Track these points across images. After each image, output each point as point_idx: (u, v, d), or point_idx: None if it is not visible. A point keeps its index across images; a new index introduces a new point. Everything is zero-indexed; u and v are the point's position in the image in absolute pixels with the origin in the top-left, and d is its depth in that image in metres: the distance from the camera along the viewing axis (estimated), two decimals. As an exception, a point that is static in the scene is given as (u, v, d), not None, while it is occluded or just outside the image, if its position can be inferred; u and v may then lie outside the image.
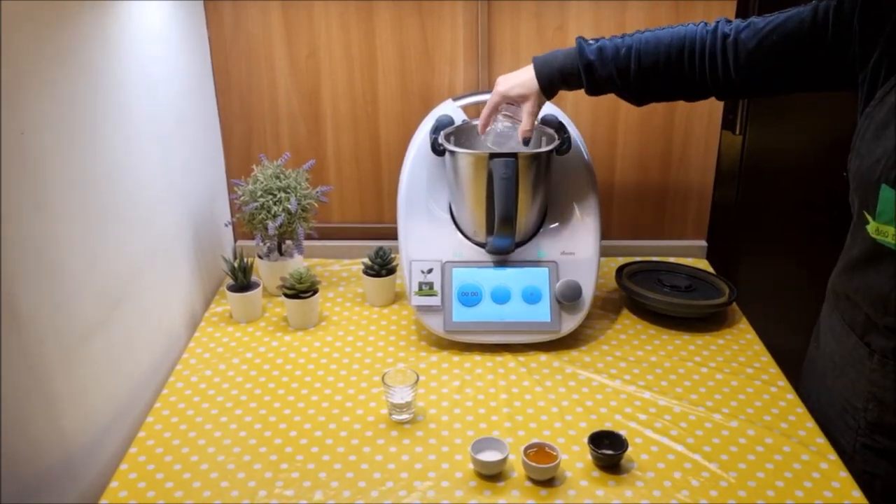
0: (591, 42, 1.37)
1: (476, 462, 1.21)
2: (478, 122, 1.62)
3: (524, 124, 1.43)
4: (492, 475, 1.22)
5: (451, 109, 1.66)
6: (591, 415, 1.36)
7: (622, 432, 1.26)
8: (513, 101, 1.44)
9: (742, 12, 1.79)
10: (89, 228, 1.23)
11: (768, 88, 1.34)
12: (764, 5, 1.85)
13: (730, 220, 2.03)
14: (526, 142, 1.44)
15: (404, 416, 1.35)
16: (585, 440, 1.25)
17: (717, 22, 1.31)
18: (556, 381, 1.46)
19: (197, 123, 1.73)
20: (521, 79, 1.42)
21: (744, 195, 2.05)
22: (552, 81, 1.40)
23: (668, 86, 1.37)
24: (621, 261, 1.87)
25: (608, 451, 1.23)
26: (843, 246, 1.29)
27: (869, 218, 1.14)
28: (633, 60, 1.34)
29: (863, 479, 1.23)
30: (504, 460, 1.21)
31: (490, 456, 1.22)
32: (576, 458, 1.26)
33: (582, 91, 1.80)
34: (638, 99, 1.41)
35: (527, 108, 1.42)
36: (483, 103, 1.75)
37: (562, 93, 1.80)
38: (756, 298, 1.88)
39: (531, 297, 1.55)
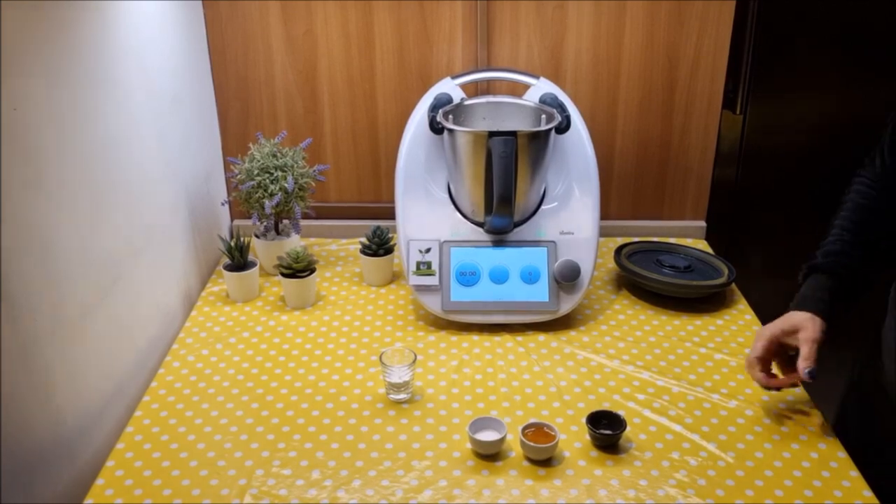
0: (814, 255, 1.29)
1: (474, 442, 1.21)
2: (478, 100, 1.61)
3: (804, 352, 1.21)
4: (490, 455, 1.21)
5: (450, 87, 1.64)
6: (590, 395, 1.36)
7: (620, 412, 1.26)
8: (783, 340, 1.25)
9: (741, 12, 1.77)
10: (84, 207, 1.22)
11: None
12: (764, 5, 1.84)
13: (729, 200, 2.02)
14: (812, 374, 1.21)
15: (402, 396, 1.35)
16: (583, 420, 1.25)
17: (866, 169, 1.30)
18: (554, 360, 1.46)
19: (193, 101, 1.71)
20: (784, 317, 1.26)
21: (744, 176, 2.04)
22: (821, 299, 1.24)
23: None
24: (620, 241, 1.86)
25: (606, 430, 1.23)
26: None
27: None
28: (863, 234, 1.26)
29: None
30: (502, 440, 1.21)
31: (488, 436, 1.22)
32: (574, 438, 1.25)
33: (582, 70, 1.78)
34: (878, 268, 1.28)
35: (803, 335, 1.22)
36: (482, 81, 1.75)
37: (561, 69, 1.80)
38: (755, 279, 1.87)
39: (530, 277, 1.54)
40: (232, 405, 1.34)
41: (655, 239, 1.89)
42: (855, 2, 1.89)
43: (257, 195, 1.64)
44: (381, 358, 1.34)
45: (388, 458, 1.21)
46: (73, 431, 1.20)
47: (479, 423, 1.24)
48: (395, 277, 1.74)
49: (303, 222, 1.74)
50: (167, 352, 1.48)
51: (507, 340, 1.52)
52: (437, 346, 1.50)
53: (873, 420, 1.29)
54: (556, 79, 1.76)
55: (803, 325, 1.23)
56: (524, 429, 1.22)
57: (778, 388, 1.28)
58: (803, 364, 1.21)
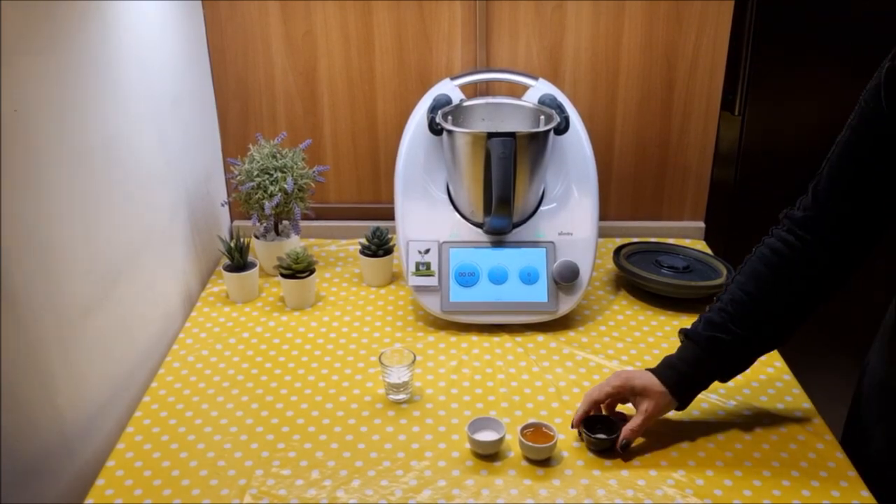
0: (694, 325, 1.22)
1: (473, 442, 1.21)
2: (477, 101, 1.61)
3: (631, 423, 1.20)
4: (489, 455, 1.22)
5: (449, 89, 1.64)
6: (588, 395, 1.36)
7: (616, 417, 1.26)
8: (628, 394, 1.23)
9: (740, 12, 1.78)
10: (85, 207, 1.22)
11: (871, 229, 1.13)
12: (762, 6, 1.84)
13: (728, 201, 2.03)
14: (624, 447, 1.20)
15: (401, 396, 1.35)
16: (578, 425, 1.25)
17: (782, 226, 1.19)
18: (553, 361, 1.46)
19: (193, 102, 1.72)
20: (644, 375, 1.22)
21: (742, 176, 2.05)
22: (682, 375, 1.20)
23: (792, 307, 1.18)
24: (619, 241, 1.86)
25: (601, 435, 1.22)
26: None
27: None
28: (748, 298, 1.17)
29: None
30: (501, 440, 1.22)
31: (487, 436, 1.22)
32: (572, 438, 1.26)
33: (581, 69, 1.78)
34: (778, 337, 1.21)
35: (644, 406, 1.20)
36: (481, 82, 1.75)
37: (559, 70, 1.80)
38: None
39: (528, 278, 1.55)
40: (232, 405, 1.34)
41: (654, 239, 1.90)
42: (854, 2, 1.89)
43: (257, 196, 1.64)
44: (380, 358, 1.34)
45: (387, 458, 1.22)
46: (74, 431, 1.20)
47: (478, 424, 1.24)
48: (394, 278, 1.74)
49: (302, 223, 1.74)
50: (167, 352, 1.49)
51: (506, 341, 1.52)
52: (437, 347, 1.50)
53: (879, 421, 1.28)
54: (554, 79, 1.76)
55: (651, 397, 1.19)
56: (523, 429, 1.22)
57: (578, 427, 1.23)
58: (627, 433, 1.19)
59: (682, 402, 1.23)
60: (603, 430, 1.23)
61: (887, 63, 1.05)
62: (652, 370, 1.24)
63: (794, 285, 1.16)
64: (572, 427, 1.24)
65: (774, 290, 1.17)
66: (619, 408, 1.28)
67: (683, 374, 1.21)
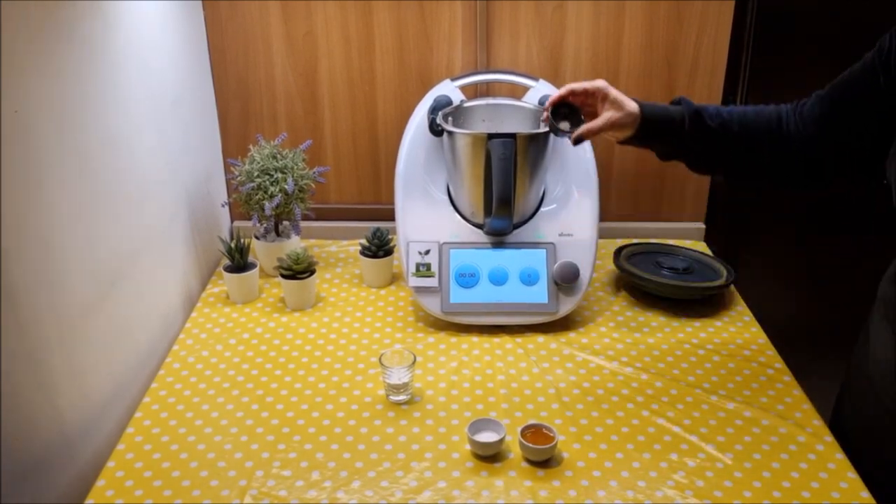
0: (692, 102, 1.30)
1: (473, 443, 1.21)
2: (477, 102, 1.62)
3: (592, 123, 1.29)
4: (489, 456, 1.22)
5: (450, 90, 1.64)
6: (589, 396, 1.36)
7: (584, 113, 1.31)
8: (601, 98, 1.29)
9: (740, 12, 1.78)
10: (85, 208, 1.22)
11: (837, 157, 1.25)
12: (762, 6, 1.84)
13: (728, 202, 2.02)
14: (577, 141, 1.30)
15: (401, 397, 1.35)
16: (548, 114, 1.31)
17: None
18: (553, 362, 1.46)
19: (193, 102, 1.72)
20: (624, 95, 1.30)
21: (742, 177, 2.04)
22: (653, 112, 1.28)
23: (760, 157, 1.29)
24: (619, 242, 1.86)
25: (565, 123, 1.30)
26: (844, 232, 1.25)
27: None
28: (736, 122, 1.27)
29: None
30: (501, 441, 1.22)
31: (487, 437, 1.22)
32: (572, 440, 1.26)
33: (581, 70, 1.78)
34: (732, 166, 1.33)
35: (609, 114, 1.28)
36: (481, 83, 1.75)
37: (561, 70, 1.80)
38: (754, 281, 1.88)
39: (529, 279, 1.55)
40: (232, 406, 1.34)
41: (654, 240, 1.90)
42: (854, 2, 1.89)
43: (257, 197, 1.64)
44: (380, 359, 1.34)
45: (387, 459, 1.22)
46: (74, 432, 1.20)
47: (478, 425, 1.24)
48: (394, 279, 1.74)
49: (303, 224, 1.74)
50: (167, 353, 1.49)
51: (507, 342, 1.52)
52: (437, 348, 1.50)
53: (866, 419, 1.29)
54: (555, 80, 1.76)
55: (619, 109, 1.27)
56: (523, 430, 1.22)
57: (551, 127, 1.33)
58: (585, 130, 1.28)
59: (640, 132, 1.28)
60: (569, 120, 1.27)
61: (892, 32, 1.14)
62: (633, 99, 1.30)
63: (770, 139, 1.27)
64: (545, 108, 1.32)
65: (756, 132, 1.27)
66: None
67: (658, 114, 1.28)
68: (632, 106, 1.27)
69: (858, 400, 1.32)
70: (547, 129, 1.38)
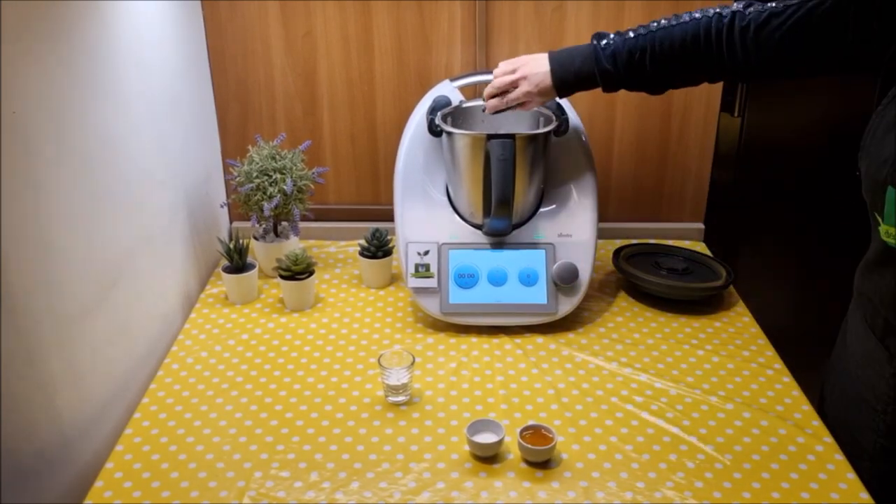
0: (605, 45, 1.35)
1: (472, 444, 1.21)
2: (477, 103, 1.62)
3: (508, 97, 1.43)
4: (488, 457, 1.22)
5: (449, 90, 1.64)
6: (587, 397, 1.36)
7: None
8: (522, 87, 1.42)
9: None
10: (84, 209, 1.22)
11: (786, 69, 1.29)
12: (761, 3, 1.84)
13: (728, 202, 2.03)
14: (498, 112, 1.46)
15: (400, 398, 1.35)
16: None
17: (733, 7, 1.29)
18: (552, 363, 1.46)
19: (192, 103, 1.72)
20: (540, 74, 1.39)
21: (742, 178, 2.04)
22: (566, 83, 1.39)
23: (684, 74, 1.36)
24: (618, 243, 1.86)
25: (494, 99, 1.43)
26: (844, 232, 1.27)
27: (879, 220, 1.12)
28: (649, 62, 1.33)
29: (882, 480, 1.21)
30: (500, 442, 1.21)
31: (486, 438, 1.22)
32: (571, 441, 1.26)
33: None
34: (654, 91, 1.42)
35: (536, 100, 1.43)
36: (481, 83, 1.75)
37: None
38: (753, 281, 1.88)
39: (528, 280, 1.55)
40: (231, 407, 1.34)
41: (654, 241, 1.90)
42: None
43: (256, 197, 1.64)
44: (379, 360, 1.34)
45: (386, 460, 1.22)
46: (73, 433, 1.20)
47: (477, 426, 1.24)
48: (393, 280, 1.74)
49: (302, 224, 1.74)
50: (166, 354, 1.49)
51: (506, 342, 1.52)
52: (436, 349, 1.50)
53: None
54: (554, 81, 1.76)
55: (538, 80, 1.39)
56: (522, 431, 1.22)
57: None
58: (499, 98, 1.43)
59: (559, 94, 1.42)
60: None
61: None
62: (551, 61, 1.40)
63: (697, 53, 1.31)
64: (484, 101, 1.47)
65: (681, 49, 1.31)
66: None
67: (570, 78, 1.39)
68: (548, 84, 1.39)
69: (837, 390, 1.34)
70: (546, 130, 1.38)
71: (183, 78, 1.66)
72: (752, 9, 1.27)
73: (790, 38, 1.23)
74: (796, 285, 2.16)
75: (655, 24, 1.33)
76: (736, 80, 1.33)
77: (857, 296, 1.29)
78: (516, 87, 1.42)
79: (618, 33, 1.36)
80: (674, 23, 1.32)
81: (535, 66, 1.40)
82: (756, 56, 1.27)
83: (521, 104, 1.44)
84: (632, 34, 1.34)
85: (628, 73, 1.35)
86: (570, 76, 1.38)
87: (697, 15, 1.30)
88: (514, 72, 1.42)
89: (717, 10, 1.29)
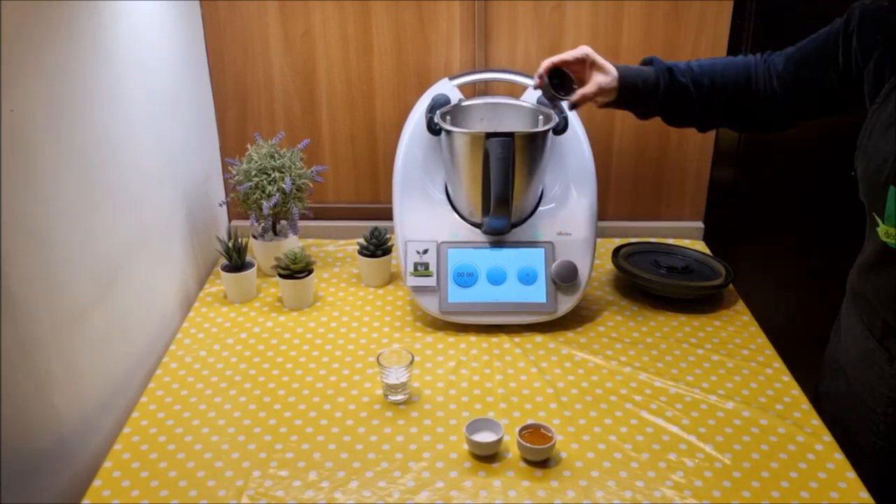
0: (669, 63, 1.37)
1: (471, 443, 1.21)
2: (476, 101, 1.61)
3: (585, 88, 1.35)
4: (487, 456, 1.21)
5: (448, 89, 1.64)
6: (587, 396, 1.36)
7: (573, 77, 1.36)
8: (587, 66, 1.36)
9: (739, 12, 1.77)
10: (82, 207, 1.22)
11: (796, 112, 1.34)
12: (761, 5, 1.84)
13: (727, 201, 2.02)
14: (574, 105, 1.37)
15: (399, 397, 1.35)
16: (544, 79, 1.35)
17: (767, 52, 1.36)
18: (551, 362, 1.46)
19: (191, 102, 1.71)
20: (604, 60, 1.37)
21: (742, 176, 2.04)
22: (630, 75, 1.35)
23: (730, 108, 1.38)
24: (618, 242, 1.86)
25: (561, 91, 1.34)
26: (843, 231, 1.26)
27: (878, 220, 1.11)
28: (706, 76, 1.35)
29: (881, 482, 1.20)
30: (499, 441, 1.21)
31: (485, 437, 1.22)
32: (571, 439, 1.25)
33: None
34: (704, 119, 1.42)
35: (598, 78, 1.35)
36: (480, 82, 1.75)
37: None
38: (753, 280, 1.87)
39: (527, 278, 1.54)
40: (229, 406, 1.34)
41: (653, 240, 1.89)
42: (852, 2, 1.89)
43: (255, 196, 1.64)
44: (378, 359, 1.34)
45: (385, 459, 1.21)
46: (71, 432, 1.20)
47: (476, 425, 1.24)
48: (392, 278, 1.74)
49: (301, 223, 1.74)
50: (165, 353, 1.48)
51: (505, 341, 1.52)
52: (435, 348, 1.50)
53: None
54: (553, 79, 1.76)
55: (607, 72, 1.34)
56: (521, 430, 1.22)
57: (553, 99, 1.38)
58: (579, 96, 1.34)
59: (621, 96, 1.35)
60: (562, 89, 1.32)
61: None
62: (622, 69, 1.36)
63: (743, 92, 1.34)
64: (538, 77, 1.36)
65: (727, 82, 1.35)
66: None
67: (635, 78, 1.35)
68: (614, 71, 1.34)
69: (832, 390, 1.34)
70: (543, 123, 1.37)
71: (182, 77, 1.66)
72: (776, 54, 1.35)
73: (794, 67, 1.30)
74: (796, 284, 2.15)
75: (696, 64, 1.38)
76: (764, 123, 1.40)
77: (852, 297, 1.29)
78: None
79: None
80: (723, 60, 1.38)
81: (612, 73, 1.37)
82: (771, 89, 1.33)
83: (574, 92, 1.37)
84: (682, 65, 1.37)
85: (689, 79, 1.35)
86: (633, 72, 1.36)
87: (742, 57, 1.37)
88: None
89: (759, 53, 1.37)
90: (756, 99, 1.34)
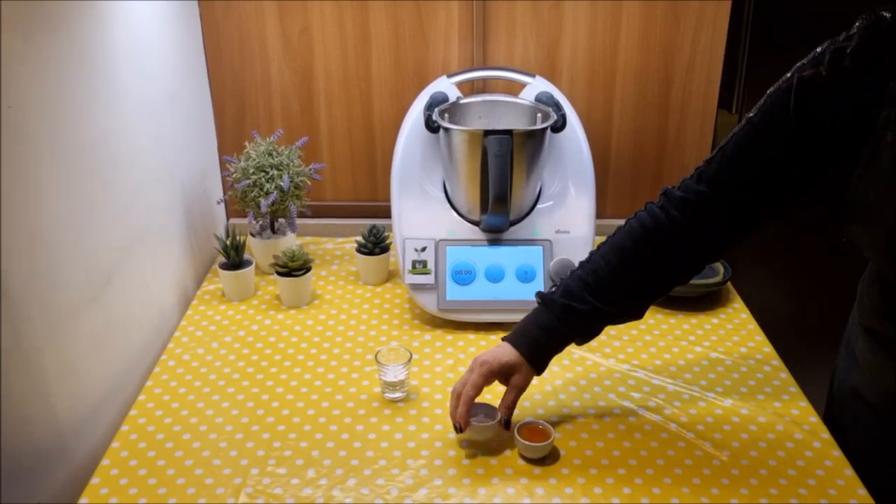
0: (551, 290, 1.21)
1: (472, 428, 1.21)
2: (475, 99, 1.61)
3: (506, 399, 1.21)
4: (482, 441, 1.21)
5: (446, 86, 1.64)
6: (585, 393, 1.36)
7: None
8: (496, 376, 1.20)
9: (737, 11, 1.77)
10: (79, 205, 1.21)
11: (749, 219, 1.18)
12: (760, 4, 1.84)
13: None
14: (507, 423, 1.21)
15: (397, 395, 1.35)
16: None
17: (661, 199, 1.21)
18: (549, 359, 1.46)
19: (189, 99, 1.71)
20: (503, 351, 1.20)
21: (739, 175, 2.04)
22: (538, 343, 1.20)
23: (649, 283, 1.21)
24: (616, 240, 1.86)
25: (487, 421, 1.20)
26: (842, 230, 1.21)
27: None
28: (604, 278, 1.18)
29: (883, 493, 1.17)
30: (496, 424, 1.21)
31: (479, 421, 1.22)
32: (569, 437, 1.25)
33: (578, 69, 1.77)
34: (636, 311, 1.23)
35: (513, 381, 1.20)
36: (478, 79, 1.75)
37: (557, 68, 1.80)
38: (751, 278, 1.87)
39: (525, 276, 1.54)
40: (227, 404, 1.33)
41: (651, 238, 1.89)
42: (852, 2, 1.89)
43: (253, 194, 1.64)
44: (376, 357, 1.34)
45: (383, 456, 1.21)
46: (69, 430, 1.20)
47: (472, 409, 1.22)
48: (390, 276, 1.74)
49: (298, 221, 1.74)
50: (162, 350, 1.48)
51: (503, 339, 1.52)
52: (433, 345, 1.50)
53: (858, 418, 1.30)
54: (552, 77, 1.76)
55: (516, 369, 1.19)
56: (520, 427, 1.22)
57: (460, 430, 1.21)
58: (505, 411, 1.21)
59: (539, 369, 1.22)
60: (482, 415, 1.22)
61: (797, 74, 1.11)
62: (507, 339, 1.22)
63: (656, 261, 1.18)
64: (459, 431, 1.20)
65: (635, 265, 1.19)
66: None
67: (539, 342, 1.20)
68: (519, 360, 1.19)
69: (846, 399, 1.31)
70: (541, 127, 1.36)
71: (180, 75, 1.65)
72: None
73: (735, 161, 1.14)
74: (794, 283, 2.16)
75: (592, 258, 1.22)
76: (703, 255, 1.21)
77: (860, 304, 1.26)
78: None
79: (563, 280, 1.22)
80: (611, 238, 1.22)
81: (496, 350, 1.21)
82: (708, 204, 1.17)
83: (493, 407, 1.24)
84: (571, 275, 1.22)
85: (592, 292, 1.17)
86: (535, 332, 1.20)
87: (630, 226, 1.21)
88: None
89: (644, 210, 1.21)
90: (687, 246, 1.18)
